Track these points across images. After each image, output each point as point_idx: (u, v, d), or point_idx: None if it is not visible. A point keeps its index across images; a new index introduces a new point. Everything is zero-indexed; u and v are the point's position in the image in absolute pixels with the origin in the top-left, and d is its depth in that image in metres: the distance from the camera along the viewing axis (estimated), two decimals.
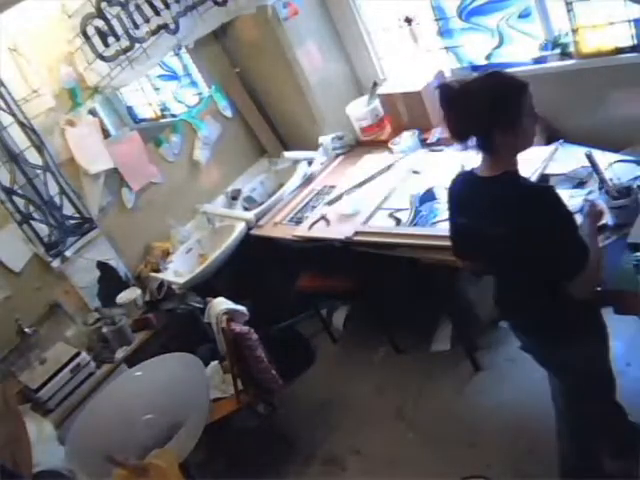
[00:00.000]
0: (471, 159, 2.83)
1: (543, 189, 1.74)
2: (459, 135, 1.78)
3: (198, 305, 3.18)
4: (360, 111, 3.67)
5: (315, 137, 3.80)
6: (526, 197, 1.70)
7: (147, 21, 3.30)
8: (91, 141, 3.28)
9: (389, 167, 3.28)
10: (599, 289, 1.85)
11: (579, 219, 1.86)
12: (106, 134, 3.46)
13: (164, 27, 3.36)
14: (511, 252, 1.79)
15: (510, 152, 1.74)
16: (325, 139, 3.77)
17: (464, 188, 1.90)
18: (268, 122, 4.02)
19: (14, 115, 3.00)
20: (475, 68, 3.35)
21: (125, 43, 3.25)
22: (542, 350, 2.02)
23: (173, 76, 3.95)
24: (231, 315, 2.81)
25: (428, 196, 2.88)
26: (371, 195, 3.12)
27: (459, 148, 1.85)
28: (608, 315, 1.94)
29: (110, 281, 3.39)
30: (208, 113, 3.81)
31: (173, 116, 3.93)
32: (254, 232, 3.49)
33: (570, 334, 1.85)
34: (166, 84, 3.97)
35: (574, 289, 1.73)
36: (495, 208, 1.77)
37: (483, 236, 1.82)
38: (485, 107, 1.66)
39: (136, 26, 3.27)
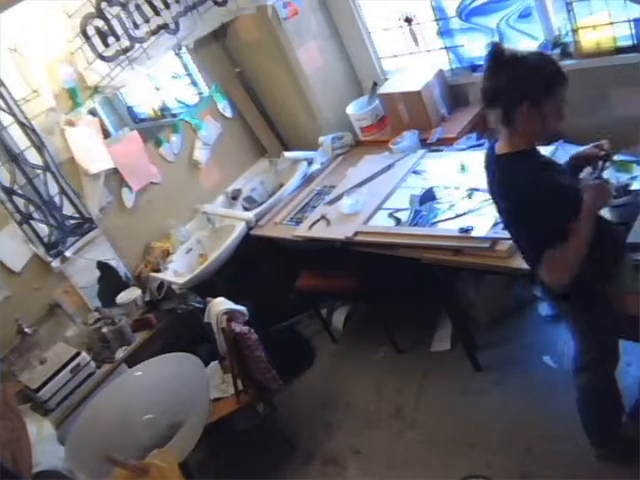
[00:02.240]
0: (471, 159, 2.87)
1: (518, 175, 1.80)
2: (491, 97, 1.81)
3: (198, 305, 3.17)
4: (360, 111, 3.67)
5: (315, 137, 3.80)
6: (504, 177, 1.84)
7: (147, 21, 3.31)
8: (91, 141, 3.28)
9: (389, 167, 3.27)
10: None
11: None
12: (106, 134, 3.46)
13: (164, 27, 3.36)
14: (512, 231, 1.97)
15: (526, 132, 1.79)
16: (325, 139, 3.76)
17: (487, 161, 1.99)
18: (268, 122, 4.02)
19: (14, 115, 3.00)
20: (475, 68, 3.36)
21: (125, 43, 3.25)
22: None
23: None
24: (231, 315, 2.81)
25: (428, 196, 2.88)
26: (371, 195, 3.12)
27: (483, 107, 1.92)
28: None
29: (110, 281, 3.39)
30: (208, 113, 3.81)
31: (173, 116, 3.92)
32: (254, 232, 3.49)
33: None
34: (174, 82, 3.95)
35: (543, 275, 1.80)
36: (494, 187, 1.93)
37: (499, 211, 2.00)
38: (527, 75, 1.72)
39: (136, 26, 3.28)
